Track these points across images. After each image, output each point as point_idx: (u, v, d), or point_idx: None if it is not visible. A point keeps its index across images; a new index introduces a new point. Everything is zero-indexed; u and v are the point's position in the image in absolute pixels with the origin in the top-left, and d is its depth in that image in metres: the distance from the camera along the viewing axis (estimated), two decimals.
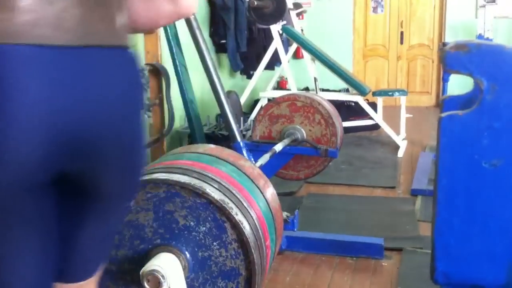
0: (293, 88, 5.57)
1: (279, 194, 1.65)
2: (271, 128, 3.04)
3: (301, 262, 2.82)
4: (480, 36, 3.98)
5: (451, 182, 1.34)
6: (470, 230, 1.36)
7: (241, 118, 4.96)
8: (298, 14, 6.41)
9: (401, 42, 7.96)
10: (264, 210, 1.47)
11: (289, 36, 5.65)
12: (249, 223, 1.34)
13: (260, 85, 5.90)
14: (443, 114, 1.33)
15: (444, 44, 3.98)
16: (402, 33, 7.93)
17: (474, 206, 1.35)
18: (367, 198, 3.85)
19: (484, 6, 3.92)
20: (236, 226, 1.32)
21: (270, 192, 1.59)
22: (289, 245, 2.80)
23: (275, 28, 5.40)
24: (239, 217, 1.33)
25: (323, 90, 6.20)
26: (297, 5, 6.50)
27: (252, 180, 1.51)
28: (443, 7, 7.62)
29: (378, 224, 3.31)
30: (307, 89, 6.62)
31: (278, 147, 2.58)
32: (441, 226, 1.37)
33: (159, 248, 1.39)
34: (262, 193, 1.52)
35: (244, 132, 4.79)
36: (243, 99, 5.56)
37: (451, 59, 1.29)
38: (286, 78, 5.88)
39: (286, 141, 2.89)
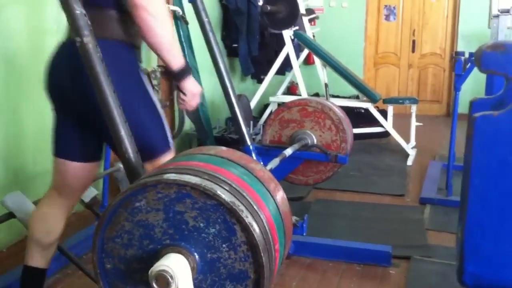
0: (303, 93, 5.56)
1: (287, 199, 1.64)
2: (281, 132, 3.04)
3: (308, 267, 2.81)
4: None
5: (484, 182, 1.32)
6: (502, 231, 1.34)
7: (251, 122, 4.96)
8: (310, 20, 6.42)
9: (413, 51, 7.94)
10: (274, 214, 1.46)
11: (301, 42, 5.65)
12: (259, 226, 1.34)
13: (271, 90, 5.89)
14: (477, 115, 1.31)
15: (457, 53, 3.96)
16: (414, 41, 7.91)
17: (507, 207, 1.33)
18: (375, 205, 3.84)
19: (497, 16, 3.89)
20: (246, 228, 1.32)
21: (280, 195, 1.58)
22: (297, 250, 2.79)
23: (287, 34, 5.40)
24: (249, 219, 1.32)
25: (333, 96, 6.19)
26: (309, 11, 6.51)
27: (262, 183, 1.51)
28: (455, 17, 7.60)
29: (386, 231, 3.30)
30: (317, 95, 6.61)
31: (288, 151, 2.58)
32: (472, 226, 1.35)
33: (168, 249, 1.38)
34: (272, 196, 1.51)
35: (254, 136, 4.79)
36: (253, 104, 5.56)
37: (487, 59, 1.28)
38: (297, 84, 5.88)
39: (296, 146, 2.89)
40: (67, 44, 1.90)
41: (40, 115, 3.10)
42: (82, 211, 3.33)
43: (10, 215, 2.26)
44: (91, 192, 2.62)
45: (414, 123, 5.29)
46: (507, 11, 3.88)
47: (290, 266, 2.77)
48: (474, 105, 1.53)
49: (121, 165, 2.88)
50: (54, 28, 3.12)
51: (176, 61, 1.85)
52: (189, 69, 1.91)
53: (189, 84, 1.92)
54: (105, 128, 1.71)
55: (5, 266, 2.68)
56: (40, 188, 2.93)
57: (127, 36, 1.88)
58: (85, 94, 1.82)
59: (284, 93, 6.26)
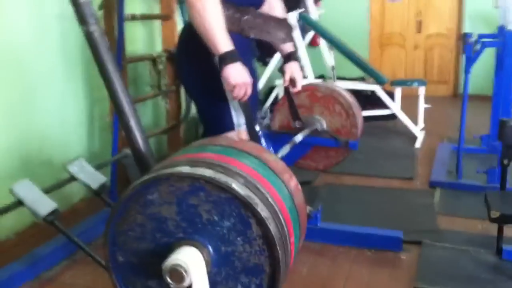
0: (309, 75, 5.50)
1: None
2: (290, 117, 2.99)
3: (318, 253, 2.79)
4: (501, 28, 3.88)
5: None
6: None
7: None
8: (315, 2, 6.32)
9: (419, 31, 7.84)
10: (289, 206, 1.43)
11: (307, 24, 5.57)
12: (274, 220, 1.31)
13: (276, 73, 5.83)
14: None
15: (465, 35, 3.89)
16: (419, 22, 7.81)
17: None
18: (384, 189, 3.80)
19: None
20: (261, 222, 1.29)
21: (295, 186, 1.55)
22: (307, 235, 2.75)
23: (293, 16, 5.32)
24: (264, 213, 1.29)
25: (339, 78, 6.12)
26: None
27: (277, 175, 1.48)
28: None
29: (396, 216, 3.27)
30: (322, 76, 6.55)
31: (298, 138, 2.54)
32: None
33: (181, 242, 1.36)
34: (287, 187, 1.48)
35: (260, 120, 4.75)
36: (259, 87, 5.50)
37: None
38: (303, 65, 5.81)
39: (306, 132, 2.85)
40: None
41: (45, 104, 3.07)
42: (90, 197, 3.32)
43: (19, 203, 2.24)
44: (100, 179, 2.58)
45: (422, 105, 5.23)
46: None
47: (300, 252, 2.74)
48: None
49: (128, 151, 2.85)
50: (58, 15, 3.08)
51: (215, 48, 1.88)
52: (231, 57, 1.88)
53: (227, 73, 1.90)
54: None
55: (13, 253, 2.67)
56: (46, 176, 2.91)
57: None
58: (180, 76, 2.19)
59: None
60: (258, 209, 1.28)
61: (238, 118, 2.07)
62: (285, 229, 1.35)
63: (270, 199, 1.33)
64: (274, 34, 2.13)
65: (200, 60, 2.02)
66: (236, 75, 1.89)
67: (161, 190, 1.36)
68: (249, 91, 1.95)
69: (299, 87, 2.43)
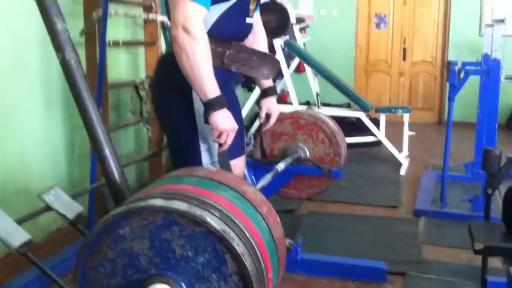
0: (294, 102, 5.49)
1: (278, 212, 1.55)
2: (273, 145, 2.96)
3: (301, 285, 2.73)
4: (486, 56, 3.90)
5: None
6: None
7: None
8: (301, 29, 6.36)
9: (404, 59, 7.91)
10: (267, 240, 1.38)
11: (291, 51, 5.59)
12: (251, 255, 1.25)
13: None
14: None
15: (449, 63, 3.91)
16: (404, 49, 7.88)
17: None
18: (368, 218, 3.77)
19: (492, 25, 3.84)
20: (237, 258, 1.24)
21: (274, 219, 1.50)
22: (289, 267, 2.70)
23: (278, 42, 5.33)
24: (240, 248, 1.24)
25: (324, 104, 6.13)
26: (300, 20, 6.45)
27: (255, 207, 1.43)
28: (446, 25, 7.57)
29: (381, 246, 3.23)
30: (308, 103, 6.55)
31: (281, 166, 2.50)
32: None
33: (154, 279, 1.30)
34: (265, 221, 1.43)
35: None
36: (244, 112, 5.48)
37: None
38: (288, 92, 5.81)
39: (288, 160, 2.80)
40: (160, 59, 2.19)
41: (21, 132, 3.01)
42: (66, 227, 3.24)
43: None
44: (76, 208, 2.51)
45: (407, 132, 5.23)
46: (502, 21, 3.82)
47: (282, 284, 2.67)
48: None
49: None
50: (39, 42, 3.04)
51: (202, 94, 1.84)
52: (218, 103, 1.84)
53: (215, 119, 1.85)
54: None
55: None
56: (22, 205, 2.84)
57: None
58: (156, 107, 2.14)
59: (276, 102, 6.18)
60: (234, 244, 1.23)
61: (212, 157, 2.02)
62: (262, 264, 1.29)
63: (246, 233, 1.28)
64: (257, 69, 2.09)
65: (179, 93, 1.99)
66: (223, 121, 1.85)
67: (133, 224, 1.30)
68: (231, 137, 1.91)
69: (271, 123, 2.38)
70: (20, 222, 2.27)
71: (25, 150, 3.04)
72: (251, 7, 2.10)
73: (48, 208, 2.48)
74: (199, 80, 1.81)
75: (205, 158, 2.03)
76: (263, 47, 2.30)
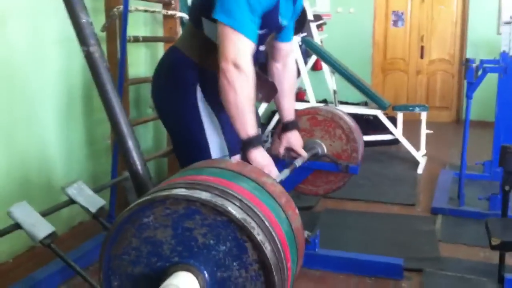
0: (311, 99, 5.51)
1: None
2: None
3: (318, 280, 2.75)
4: (504, 53, 3.89)
5: None
6: None
7: (260, 129, 4.90)
8: (318, 26, 6.37)
9: (421, 57, 7.88)
10: (286, 230, 1.41)
11: (309, 48, 5.61)
12: (271, 244, 1.28)
13: None
14: None
15: (467, 61, 3.90)
16: (422, 47, 7.85)
17: None
18: (385, 215, 3.77)
19: (509, 23, 3.83)
20: (257, 246, 1.26)
21: (293, 210, 1.52)
22: (306, 262, 2.71)
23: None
24: (261, 237, 1.27)
25: (341, 102, 6.14)
26: (317, 17, 6.46)
27: (274, 198, 1.45)
28: (464, 23, 7.54)
29: (397, 243, 3.24)
30: (325, 101, 6.56)
31: (298, 162, 2.51)
32: None
33: (177, 266, 1.33)
34: (284, 212, 1.46)
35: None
36: (261, 110, 5.51)
37: None
38: (305, 90, 5.83)
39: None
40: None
41: (42, 127, 3.06)
42: (88, 221, 3.30)
43: (17, 225, 2.21)
44: (98, 202, 2.55)
45: (424, 131, 5.22)
46: None
47: (299, 279, 2.71)
48: None
49: (128, 174, 2.83)
50: (60, 38, 3.09)
51: (241, 131, 1.89)
52: (256, 142, 1.90)
53: (252, 157, 1.91)
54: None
55: (10, 277, 2.64)
56: (45, 198, 2.90)
57: (198, 56, 2.03)
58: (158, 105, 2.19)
59: None
60: (254, 233, 1.26)
61: (221, 151, 2.06)
62: (282, 254, 1.32)
63: (266, 223, 1.31)
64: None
65: (182, 89, 2.03)
66: (261, 158, 1.91)
67: (156, 213, 1.33)
68: (274, 172, 1.95)
69: (302, 154, 2.49)
70: (44, 215, 2.32)
71: (46, 144, 3.09)
72: (269, 38, 2.18)
73: (71, 201, 2.53)
74: (242, 117, 1.85)
75: (214, 154, 2.06)
76: (290, 78, 2.37)
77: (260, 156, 1.90)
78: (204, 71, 2.05)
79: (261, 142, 1.92)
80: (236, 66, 1.81)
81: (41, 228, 2.21)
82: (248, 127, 1.87)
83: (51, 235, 2.21)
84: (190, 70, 2.03)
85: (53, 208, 2.52)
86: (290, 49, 2.34)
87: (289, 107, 2.44)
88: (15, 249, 2.88)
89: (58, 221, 2.96)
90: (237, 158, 2.11)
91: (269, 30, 1.99)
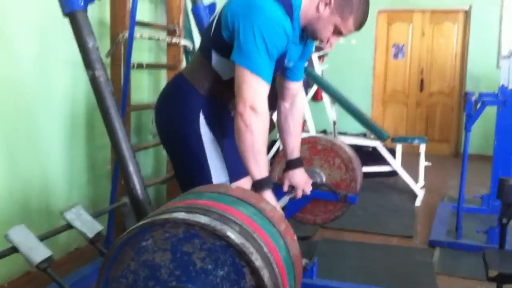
0: (311, 130, 5.54)
1: None
2: None
3: None
4: (503, 87, 3.93)
5: None
6: None
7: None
8: (319, 57, 6.44)
9: (421, 89, 7.94)
10: (284, 256, 1.42)
11: (310, 78, 5.66)
12: (268, 270, 1.29)
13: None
14: None
15: (466, 94, 3.94)
16: (422, 80, 7.92)
17: None
18: (383, 246, 3.77)
19: (509, 56, 3.88)
20: (255, 272, 1.27)
21: (291, 237, 1.53)
22: None
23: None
24: (259, 262, 1.27)
25: (341, 133, 6.17)
26: (319, 48, 6.53)
27: (273, 224, 1.47)
28: (464, 56, 7.62)
29: (396, 274, 3.23)
30: (324, 132, 6.60)
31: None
32: None
33: None
34: (282, 238, 1.47)
35: None
36: None
37: None
38: (305, 120, 5.86)
39: None
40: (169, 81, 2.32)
41: (45, 150, 3.08)
42: (84, 246, 3.29)
43: (14, 249, 2.21)
44: (96, 227, 2.55)
45: (423, 163, 5.24)
46: None
47: None
48: None
49: (127, 200, 2.84)
50: (67, 62, 3.13)
51: (254, 172, 1.92)
52: (267, 184, 1.94)
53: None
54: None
55: None
56: (42, 223, 2.90)
57: (202, 86, 2.06)
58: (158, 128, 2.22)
59: None
60: (253, 258, 1.27)
61: (221, 177, 2.08)
62: (280, 280, 1.32)
63: (265, 249, 1.32)
64: None
65: (186, 115, 2.06)
66: (269, 200, 1.92)
67: (156, 237, 1.34)
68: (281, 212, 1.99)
69: (298, 195, 2.52)
70: (41, 239, 2.32)
71: (48, 168, 3.11)
72: (279, 78, 2.29)
73: (69, 226, 2.53)
74: (257, 158, 1.89)
75: (215, 179, 2.08)
76: (297, 116, 2.43)
77: (268, 198, 1.93)
78: (208, 100, 2.09)
79: (270, 185, 1.95)
80: (253, 108, 1.85)
81: (38, 252, 2.20)
82: (260, 168, 1.91)
83: (48, 259, 2.20)
84: (194, 98, 2.07)
85: (51, 232, 2.52)
86: (299, 88, 2.40)
87: (294, 146, 2.48)
88: (11, 273, 2.86)
89: (55, 246, 2.96)
90: (242, 183, 2.12)
91: (275, 71, 2.03)
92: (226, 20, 1.92)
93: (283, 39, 1.91)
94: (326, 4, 1.96)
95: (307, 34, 2.08)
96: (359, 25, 2.02)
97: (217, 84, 2.06)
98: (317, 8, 1.98)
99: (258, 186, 1.92)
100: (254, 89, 1.85)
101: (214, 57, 2.02)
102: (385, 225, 4.26)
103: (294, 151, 2.47)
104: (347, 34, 2.05)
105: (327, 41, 2.07)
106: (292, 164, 2.48)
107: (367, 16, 2.02)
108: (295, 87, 2.37)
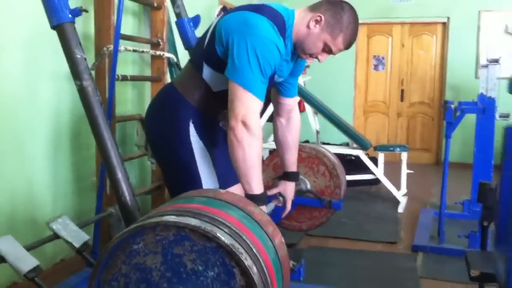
0: None
1: None
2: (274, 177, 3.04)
3: None
4: (482, 95, 4.04)
5: None
6: None
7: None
8: None
9: (402, 100, 8.05)
10: (272, 258, 1.45)
11: None
12: (258, 270, 1.33)
13: (264, 134, 5.92)
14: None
15: (446, 102, 4.03)
16: (402, 90, 8.04)
17: None
18: (368, 253, 3.81)
19: (486, 66, 3.99)
20: (245, 271, 1.31)
21: (279, 239, 1.57)
22: None
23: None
24: (248, 262, 1.31)
25: (323, 143, 6.23)
26: None
27: (261, 227, 1.50)
28: (443, 67, 7.75)
29: (380, 280, 3.27)
30: (307, 142, 6.65)
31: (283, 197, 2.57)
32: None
33: None
34: (271, 240, 1.50)
35: None
36: None
37: None
38: None
39: None
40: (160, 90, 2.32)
41: (30, 161, 3.09)
42: (70, 257, 3.29)
43: (1, 259, 2.21)
44: (82, 237, 2.56)
45: (405, 171, 5.32)
46: (496, 61, 3.97)
47: None
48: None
49: (113, 210, 2.86)
50: (52, 75, 3.15)
51: (246, 187, 1.96)
52: (262, 200, 1.97)
53: None
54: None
55: None
56: (28, 234, 2.90)
57: (192, 97, 2.11)
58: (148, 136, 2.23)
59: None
60: (242, 258, 1.30)
61: (211, 184, 2.12)
62: (269, 279, 1.36)
63: (254, 249, 1.36)
64: None
65: (176, 124, 2.10)
66: None
67: (146, 240, 1.37)
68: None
69: (288, 208, 2.59)
70: (28, 249, 2.33)
71: (33, 179, 3.11)
72: (274, 94, 2.39)
73: (55, 236, 2.53)
74: (249, 173, 1.93)
75: (205, 185, 2.12)
76: (294, 132, 2.50)
77: None
78: (198, 110, 2.13)
79: (265, 201, 1.99)
80: (244, 124, 1.89)
81: (26, 261, 2.21)
82: (253, 185, 1.95)
83: (36, 269, 2.21)
84: (184, 108, 2.11)
85: (38, 242, 2.52)
86: (294, 104, 2.47)
87: (293, 161, 2.56)
88: None
89: (41, 257, 2.93)
90: (233, 190, 2.16)
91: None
92: (220, 36, 1.97)
93: (276, 57, 1.97)
94: (316, 22, 2.02)
95: (297, 51, 2.13)
96: (348, 44, 2.09)
97: (207, 95, 2.10)
98: (308, 25, 2.04)
99: (254, 201, 1.93)
100: (246, 106, 1.89)
101: (206, 69, 2.06)
102: (369, 232, 4.31)
103: (293, 165, 2.56)
104: (336, 52, 2.11)
105: (316, 58, 2.13)
106: (289, 177, 2.56)
107: (356, 36, 2.09)
108: (290, 103, 2.44)
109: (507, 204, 1.48)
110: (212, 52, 2.01)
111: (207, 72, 2.07)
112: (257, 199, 1.92)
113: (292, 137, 2.50)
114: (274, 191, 2.55)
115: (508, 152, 1.48)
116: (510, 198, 1.55)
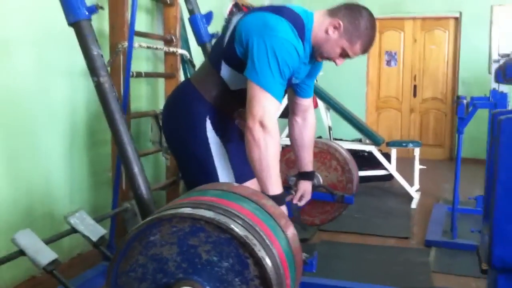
0: None
1: None
2: (287, 173, 3.07)
3: None
4: (494, 91, 4.03)
5: (509, 176, 1.49)
6: None
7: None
8: None
9: (414, 95, 8.04)
10: (285, 249, 1.49)
11: None
12: (271, 261, 1.36)
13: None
14: (503, 117, 1.49)
15: (459, 97, 4.03)
16: (415, 86, 8.02)
17: None
18: (380, 247, 3.83)
19: (498, 61, 3.98)
20: (258, 262, 1.34)
21: (291, 231, 1.61)
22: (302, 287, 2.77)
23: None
24: (262, 253, 1.34)
25: (336, 139, 6.24)
26: None
27: (274, 219, 1.54)
28: (455, 62, 7.73)
29: (392, 274, 3.29)
30: (319, 137, 6.66)
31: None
32: (499, 215, 1.51)
33: (181, 283, 1.40)
34: (283, 232, 1.54)
35: None
36: None
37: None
38: None
39: None
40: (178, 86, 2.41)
41: (46, 157, 3.14)
42: (87, 252, 3.35)
43: (20, 252, 2.26)
44: (99, 231, 2.61)
45: (418, 166, 5.32)
46: (508, 55, 3.96)
47: None
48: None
49: (128, 205, 2.90)
50: (67, 71, 3.21)
51: (265, 187, 1.98)
52: (281, 201, 1.98)
53: None
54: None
55: None
56: (46, 229, 2.95)
57: (209, 94, 2.14)
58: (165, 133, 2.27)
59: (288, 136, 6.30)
60: (256, 249, 1.34)
61: (227, 179, 2.16)
62: (282, 270, 1.39)
63: (267, 241, 1.39)
64: None
65: (193, 120, 2.15)
66: None
67: (163, 231, 1.41)
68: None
69: (302, 203, 2.68)
70: (46, 242, 2.38)
71: (49, 176, 3.17)
72: (290, 94, 2.44)
73: (73, 230, 2.58)
74: (265, 173, 1.95)
75: (221, 179, 2.16)
76: (310, 131, 2.58)
77: None
78: (214, 107, 2.18)
79: (283, 202, 2.01)
80: (262, 125, 1.92)
81: (44, 254, 2.26)
82: (270, 185, 1.97)
83: (54, 262, 2.26)
84: (201, 104, 2.15)
85: (56, 236, 2.58)
86: (309, 104, 2.52)
87: (309, 159, 2.61)
88: (15, 278, 2.91)
89: (59, 251, 2.99)
90: (248, 185, 2.19)
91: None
92: (240, 36, 2.01)
93: (295, 60, 2.00)
94: (335, 28, 2.05)
95: (315, 55, 2.16)
96: (366, 49, 2.12)
97: (224, 93, 2.14)
98: (327, 31, 2.06)
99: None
100: (263, 106, 1.92)
101: (224, 68, 2.10)
102: (382, 227, 4.33)
103: (309, 163, 2.61)
104: (353, 57, 2.14)
105: (334, 61, 2.16)
106: (306, 176, 2.63)
107: (373, 41, 2.11)
108: (306, 103, 2.50)
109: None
110: (231, 51, 2.04)
111: (225, 70, 2.11)
112: (277, 200, 1.91)
113: (308, 136, 2.55)
114: (297, 194, 2.65)
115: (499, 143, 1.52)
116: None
